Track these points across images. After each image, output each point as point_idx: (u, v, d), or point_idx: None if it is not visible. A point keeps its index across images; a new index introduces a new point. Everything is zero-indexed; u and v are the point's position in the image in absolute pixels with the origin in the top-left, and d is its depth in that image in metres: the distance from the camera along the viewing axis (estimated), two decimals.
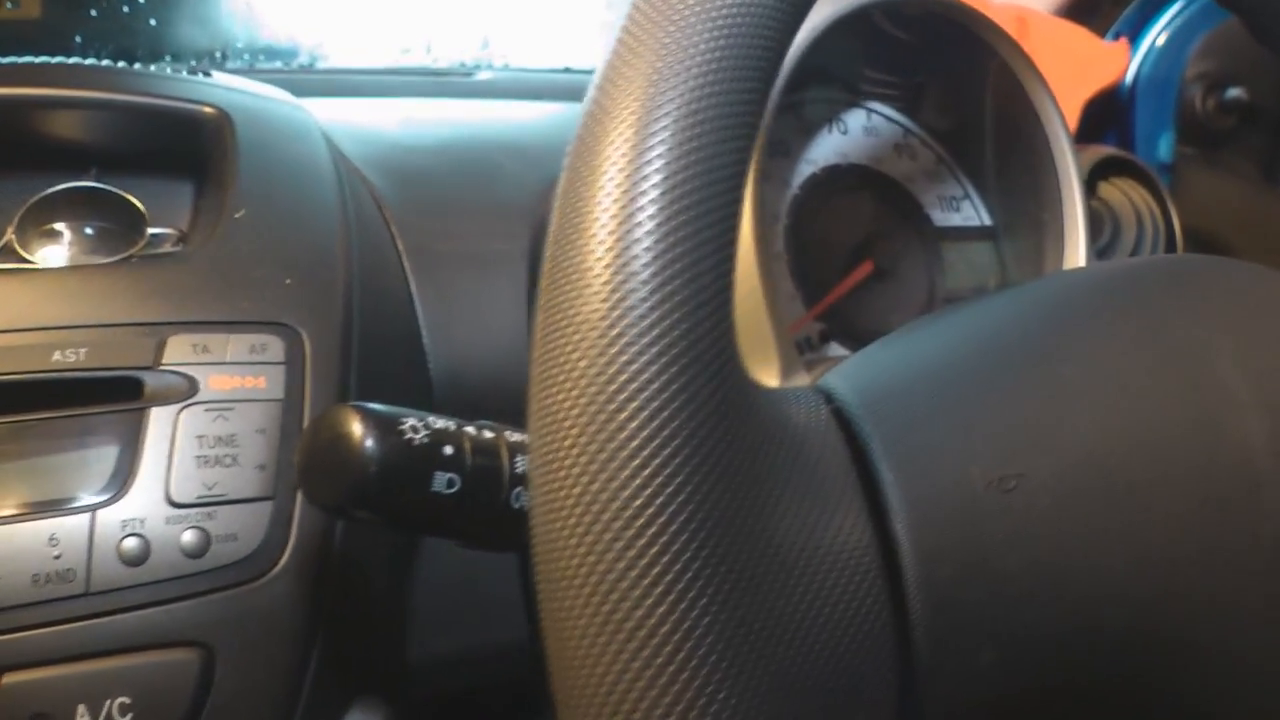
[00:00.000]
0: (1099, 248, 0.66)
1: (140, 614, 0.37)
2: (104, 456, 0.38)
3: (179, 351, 0.41)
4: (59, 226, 0.51)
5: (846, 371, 0.30)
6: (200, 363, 0.41)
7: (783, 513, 0.25)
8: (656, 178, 0.25)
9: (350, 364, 0.45)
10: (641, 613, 0.22)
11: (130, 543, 0.37)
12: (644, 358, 0.24)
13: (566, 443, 0.23)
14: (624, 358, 0.24)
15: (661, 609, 0.22)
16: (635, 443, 0.23)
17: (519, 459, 0.37)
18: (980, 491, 0.27)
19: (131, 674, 0.36)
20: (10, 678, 0.35)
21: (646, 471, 0.23)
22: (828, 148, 0.56)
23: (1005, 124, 0.56)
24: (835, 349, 0.53)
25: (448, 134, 0.67)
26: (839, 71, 0.56)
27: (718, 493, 0.24)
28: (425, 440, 0.35)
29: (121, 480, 0.38)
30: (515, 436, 0.38)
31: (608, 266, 0.24)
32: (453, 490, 0.35)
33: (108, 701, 0.36)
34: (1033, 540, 0.27)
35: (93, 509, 0.37)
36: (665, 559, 0.22)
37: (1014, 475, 0.27)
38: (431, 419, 0.37)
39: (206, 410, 0.40)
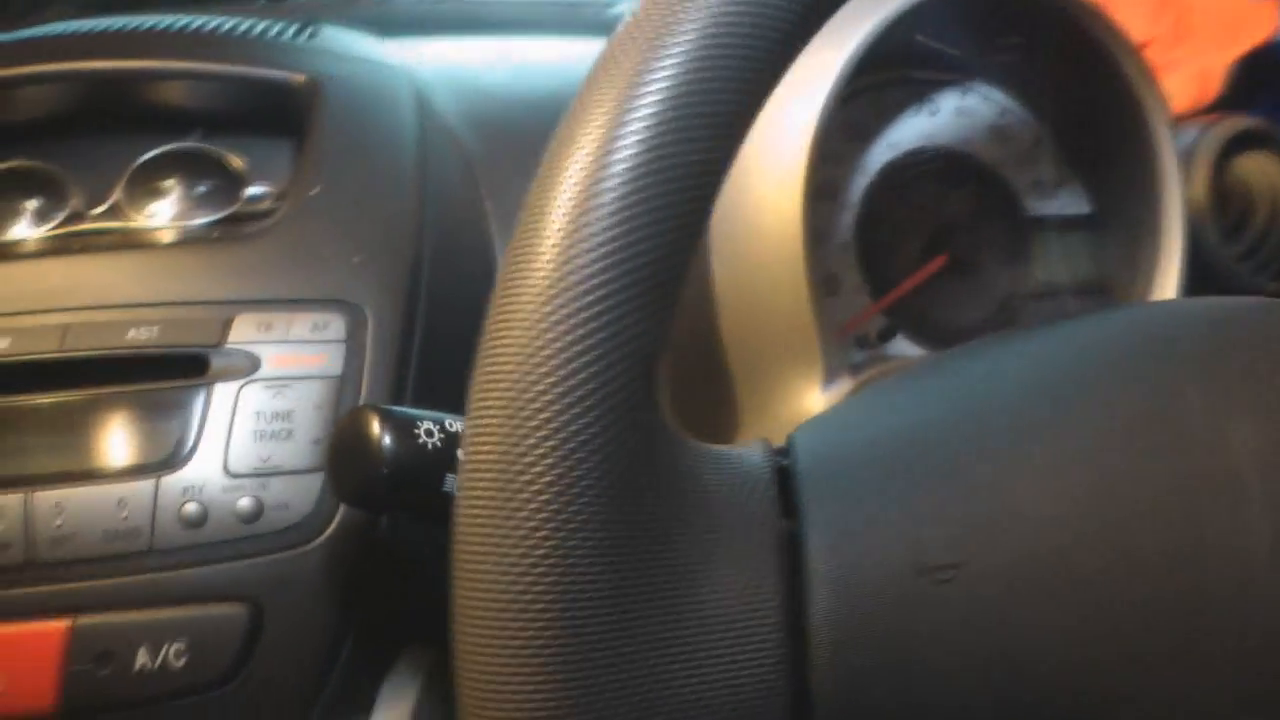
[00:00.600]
0: (1225, 229, 0.61)
1: (197, 570, 0.41)
2: (169, 429, 0.42)
3: (244, 330, 0.44)
4: (164, 185, 0.55)
5: (815, 426, 0.30)
6: (263, 341, 0.44)
7: (688, 570, 0.25)
8: (599, 220, 0.25)
9: (413, 342, 0.47)
10: (517, 651, 0.23)
11: (190, 507, 0.42)
12: (552, 404, 0.24)
13: (480, 483, 0.24)
14: (535, 390, 0.24)
15: (530, 658, 0.23)
16: (533, 489, 0.24)
17: None
18: (911, 579, 0.25)
19: (187, 623, 0.41)
20: (82, 619, 0.40)
21: (542, 516, 0.24)
22: (913, 130, 0.54)
23: (1106, 108, 0.53)
24: (903, 347, 0.52)
25: (557, 84, 0.68)
26: (936, 48, 0.54)
27: (614, 545, 0.24)
28: (439, 444, 0.38)
29: (184, 451, 0.42)
30: None
31: (531, 311, 0.25)
32: None
33: (165, 645, 0.41)
34: (965, 637, 0.25)
35: (157, 476, 0.41)
36: (545, 600, 0.23)
37: (953, 565, 0.25)
38: (451, 421, 0.39)
39: (266, 387, 0.44)
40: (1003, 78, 0.55)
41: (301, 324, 0.45)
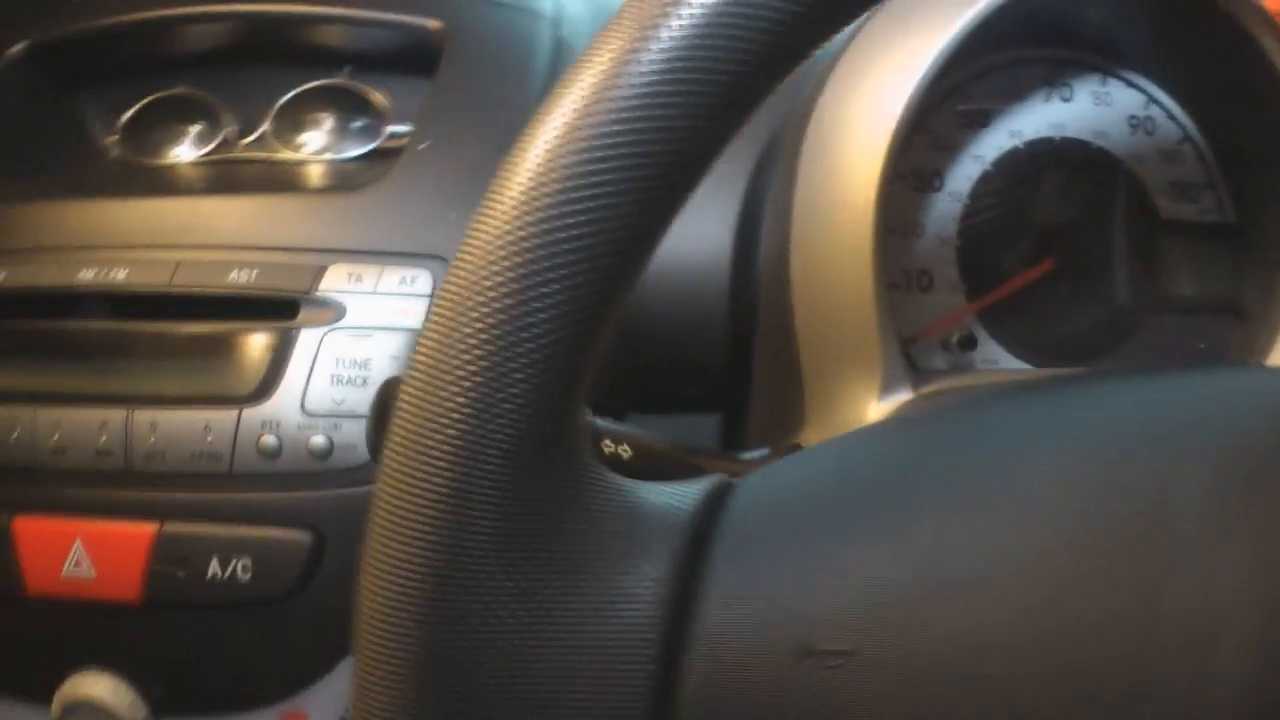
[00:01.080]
0: None
1: (269, 496, 0.46)
2: (256, 365, 0.46)
3: (335, 279, 0.47)
4: (311, 119, 0.59)
5: (770, 472, 0.29)
6: (351, 290, 0.47)
7: (571, 587, 0.25)
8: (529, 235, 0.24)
9: None
10: (392, 644, 0.24)
11: (267, 439, 0.46)
12: (465, 381, 0.24)
13: (395, 435, 0.25)
14: (439, 395, 0.24)
15: (399, 657, 0.24)
16: (434, 455, 0.24)
17: None
18: (791, 661, 0.24)
19: (256, 542, 0.45)
20: (167, 526, 0.45)
21: (438, 481, 0.24)
22: (1041, 118, 0.50)
23: (1262, 109, 0.47)
24: (1000, 357, 0.49)
25: None
26: (1077, 28, 0.50)
27: (498, 539, 0.24)
28: None
29: (267, 388, 0.46)
30: None
31: (451, 319, 0.24)
32: None
33: (235, 559, 0.45)
34: None
35: (240, 408, 0.45)
36: (417, 601, 0.24)
37: (845, 651, 0.24)
38: None
39: (349, 335, 0.47)
40: (1152, 65, 0.50)
41: (390, 277, 0.48)
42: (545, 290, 0.24)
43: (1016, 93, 0.50)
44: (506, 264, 0.24)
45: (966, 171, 0.49)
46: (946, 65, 0.45)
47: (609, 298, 0.25)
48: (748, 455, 0.42)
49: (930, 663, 0.23)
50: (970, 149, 0.50)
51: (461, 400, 0.24)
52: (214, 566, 0.45)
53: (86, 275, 0.47)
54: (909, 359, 0.49)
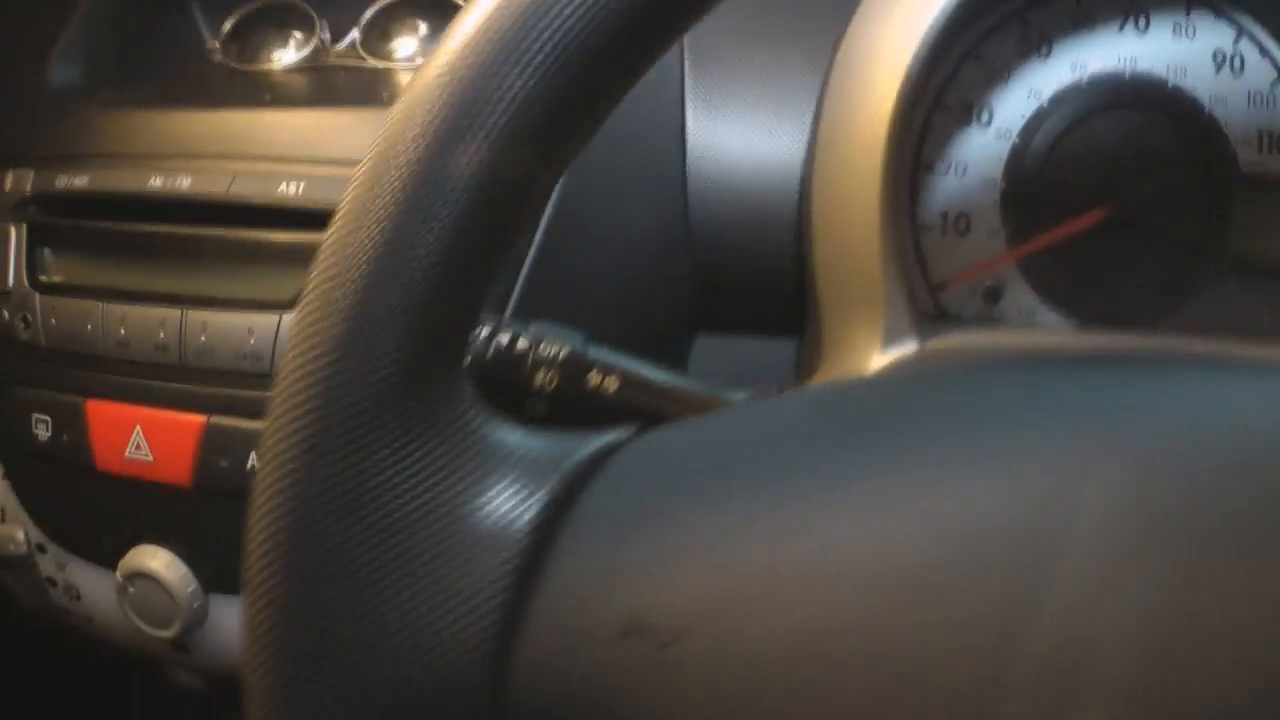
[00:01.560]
0: None
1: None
2: (298, 274, 0.49)
3: None
4: (401, 27, 0.61)
5: (659, 434, 0.28)
6: None
7: (423, 528, 0.25)
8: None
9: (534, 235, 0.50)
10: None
11: None
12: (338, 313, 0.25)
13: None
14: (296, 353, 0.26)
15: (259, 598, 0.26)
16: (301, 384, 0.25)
17: (539, 374, 0.41)
18: (617, 637, 0.23)
19: None
20: (213, 419, 0.49)
21: (301, 400, 0.25)
22: (1110, 49, 0.46)
23: None
24: (1043, 315, 0.46)
25: None
26: None
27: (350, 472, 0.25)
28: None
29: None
30: (548, 350, 0.42)
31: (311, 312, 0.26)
32: None
33: None
34: (657, 710, 0.23)
35: (280, 313, 0.48)
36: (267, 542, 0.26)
37: (676, 632, 0.23)
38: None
39: None
40: None
41: None
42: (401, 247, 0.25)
43: (1085, 20, 0.46)
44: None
45: (1020, 107, 0.46)
46: None
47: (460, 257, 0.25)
48: (728, 396, 0.42)
49: (760, 657, 0.22)
50: (1026, 81, 0.46)
51: (323, 349, 0.25)
52: (253, 459, 0.49)
53: (156, 182, 0.50)
54: (938, 305, 0.47)
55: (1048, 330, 0.46)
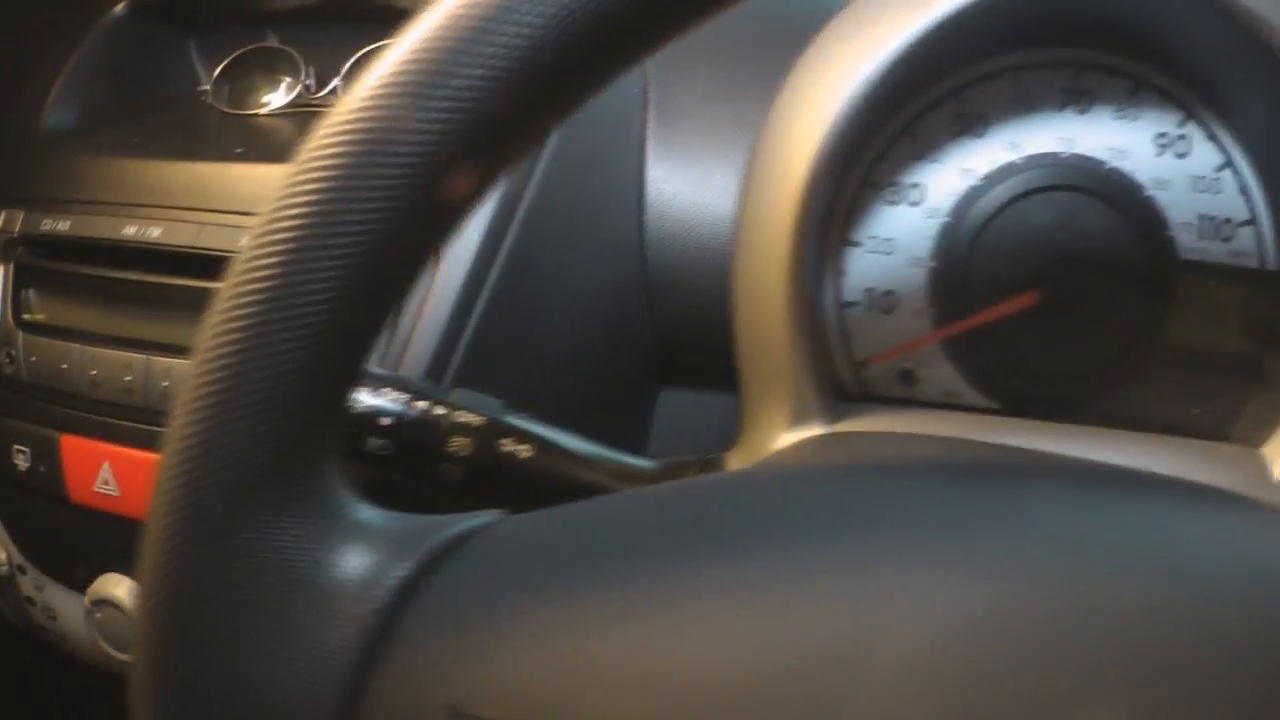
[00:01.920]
0: None
1: None
2: None
3: None
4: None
5: (521, 521, 0.29)
6: None
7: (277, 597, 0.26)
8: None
9: (484, 284, 0.52)
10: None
11: None
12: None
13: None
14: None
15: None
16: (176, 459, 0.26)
17: (455, 440, 0.43)
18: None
19: None
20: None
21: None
22: (1047, 129, 0.46)
23: None
24: (964, 392, 0.46)
25: None
26: (1108, 25, 0.44)
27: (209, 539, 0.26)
28: (366, 409, 0.43)
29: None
30: (463, 417, 0.43)
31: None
32: (386, 453, 0.43)
33: None
34: None
35: None
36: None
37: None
38: (386, 394, 0.43)
39: None
40: (1196, 76, 0.44)
41: None
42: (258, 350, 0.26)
43: (1024, 100, 0.46)
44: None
45: (952, 186, 0.46)
46: (921, 69, 0.42)
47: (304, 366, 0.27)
48: (637, 464, 0.43)
49: None
50: (960, 160, 0.46)
51: (191, 432, 0.26)
52: None
53: (129, 230, 0.53)
54: (861, 383, 0.47)
55: (963, 418, 0.45)
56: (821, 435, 0.43)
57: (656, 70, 0.59)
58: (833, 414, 0.43)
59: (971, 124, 0.46)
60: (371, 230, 0.25)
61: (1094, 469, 0.34)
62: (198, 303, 0.52)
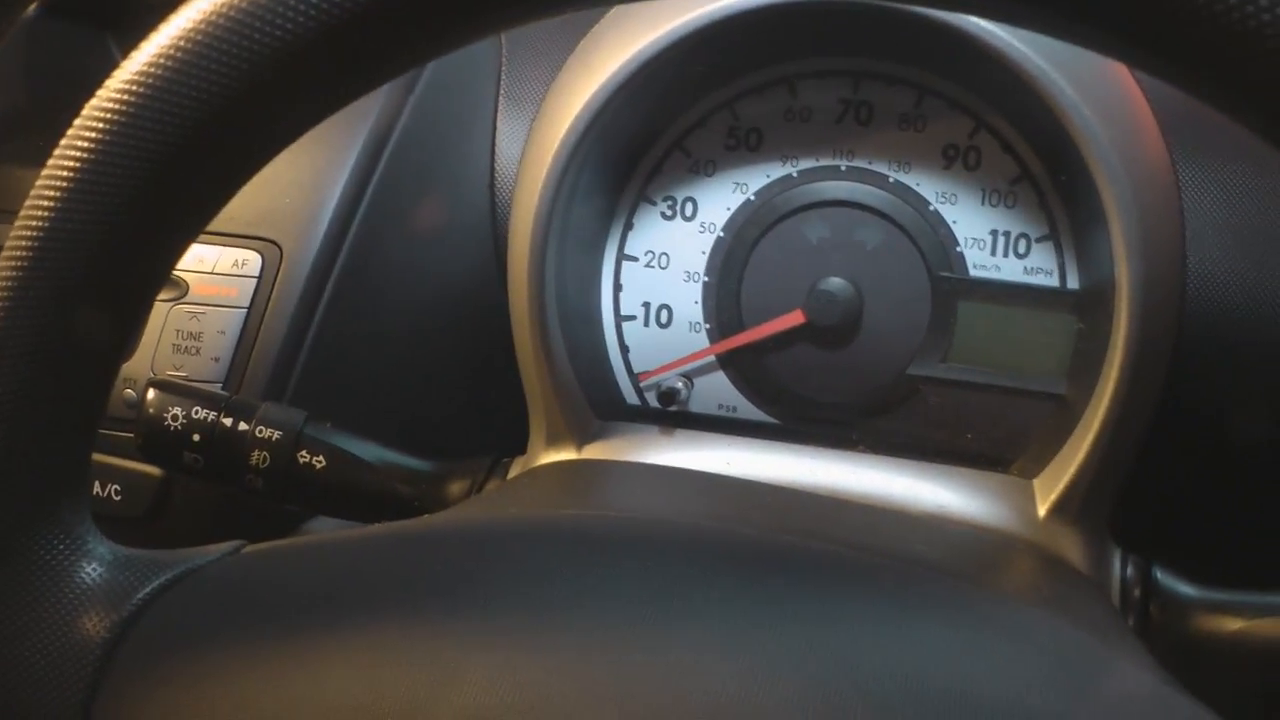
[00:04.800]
0: None
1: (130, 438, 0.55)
2: None
3: (184, 258, 0.54)
4: None
5: (243, 558, 0.30)
6: (194, 270, 0.54)
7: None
8: None
9: (327, 283, 0.53)
10: None
11: (128, 393, 0.55)
12: None
13: None
14: None
15: None
16: None
17: (256, 454, 0.45)
18: None
19: (124, 472, 0.55)
20: None
21: None
22: (825, 142, 0.42)
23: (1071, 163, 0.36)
24: (740, 405, 0.44)
25: None
26: (877, 33, 0.40)
27: None
28: (180, 427, 0.46)
29: (131, 352, 0.55)
30: (264, 432, 0.45)
31: None
32: (199, 466, 0.46)
33: (109, 484, 0.56)
34: None
35: None
36: None
37: None
38: (199, 411, 0.46)
39: (187, 310, 0.54)
40: (988, 82, 0.40)
41: (226, 258, 0.54)
42: None
43: (800, 111, 0.42)
44: None
45: (726, 201, 0.43)
46: (688, 80, 0.40)
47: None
48: (417, 466, 0.44)
49: None
50: (733, 174, 0.43)
51: None
52: (96, 487, 0.56)
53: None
54: (641, 395, 0.46)
55: (732, 440, 0.44)
56: (556, 464, 0.43)
57: (509, 48, 0.57)
58: (585, 436, 0.43)
59: (745, 137, 0.43)
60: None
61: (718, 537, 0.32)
62: None
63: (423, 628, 0.25)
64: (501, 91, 0.56)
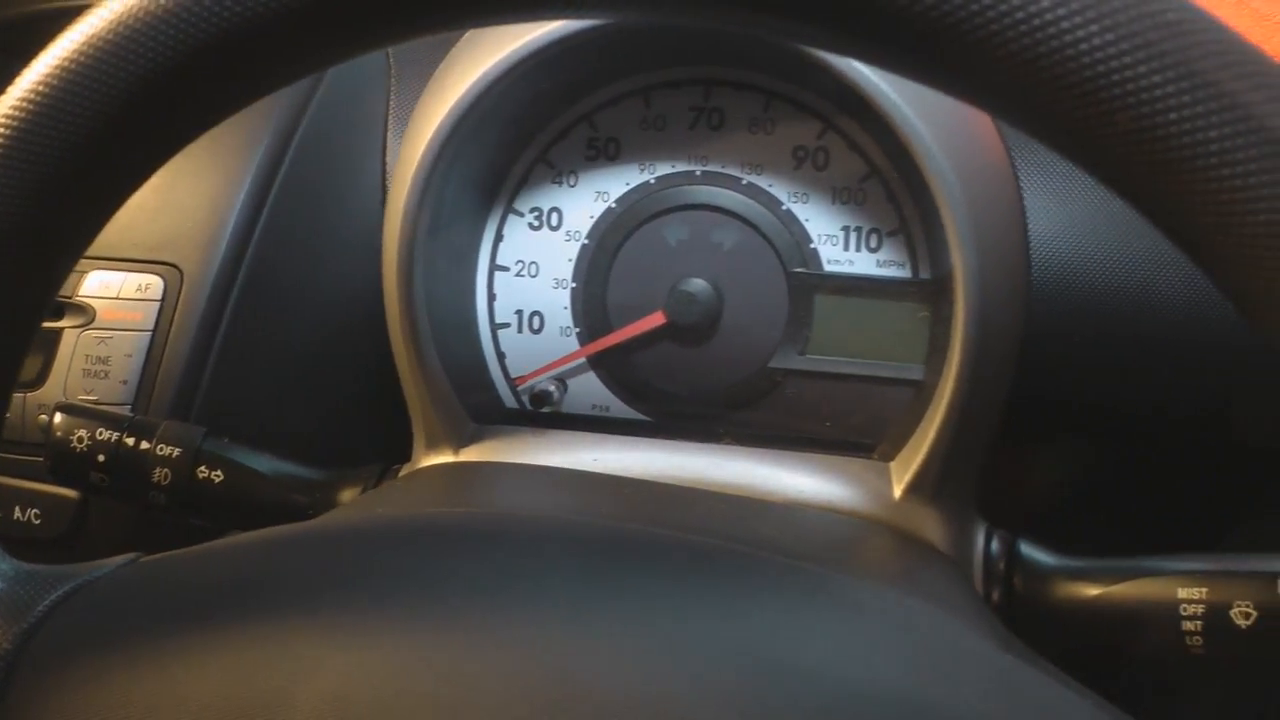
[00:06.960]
0: None
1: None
2: (37, 359, 0.56)
3: (91, 285, 0.55)
4: None
5: (138, 569, 0.31)
6: (101, 296, 0.55)
7: None
8: None
9: (226, 304, 0.55)
10: None
11: (43, 417, 0.56)
12: None
13: None
14: None
15: None
16: None
17: (158, 471, 0.46)
18: None
19: (42, 496, 0.57)
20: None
21: None
22: (680, 148, 0.44)
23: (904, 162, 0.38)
24: (612, 405, 0.46)
25: None
26: (724, 43, 0.41)
27: None
28: (85, 448, 0.47)
29: (41, 377, 0.56)
30: (164, 450, 0.47)
31: None
32: (105, 485, 0.47)
33: (29, 507, 0.57)
34: None
35: (25, 392, 0.56)
36: None
37: None
38: (103, 432, 0.47)
39: (96, 336, 0.55)
40: (834, 85, 0.41)
41: (131, 283, 0.55)
42: None
43: (654, 120, 0.44)
44: None
45: (588, 209, 0.45)
46: (548, 94, 0.41)
47: None
48: (309, 475, 0.46)
49: None
50: (595, 183, 0.44)
51: None
52: (16, 511, 0.58)
53: None
54: (519, 399, 0.47)
55: (605, 438, 0.45)
56: (431, 467, 0.44)
57: (397, 66, 0.58)
58: (462, 440, 0.44)
59: (604, 147, 0.44)
60: None
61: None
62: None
63: (289, 623, 0.27)
64: (391, 110, 0.58)
